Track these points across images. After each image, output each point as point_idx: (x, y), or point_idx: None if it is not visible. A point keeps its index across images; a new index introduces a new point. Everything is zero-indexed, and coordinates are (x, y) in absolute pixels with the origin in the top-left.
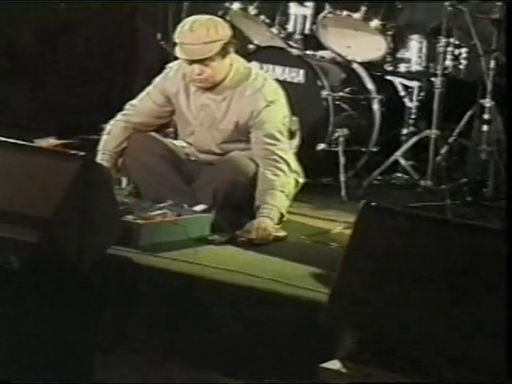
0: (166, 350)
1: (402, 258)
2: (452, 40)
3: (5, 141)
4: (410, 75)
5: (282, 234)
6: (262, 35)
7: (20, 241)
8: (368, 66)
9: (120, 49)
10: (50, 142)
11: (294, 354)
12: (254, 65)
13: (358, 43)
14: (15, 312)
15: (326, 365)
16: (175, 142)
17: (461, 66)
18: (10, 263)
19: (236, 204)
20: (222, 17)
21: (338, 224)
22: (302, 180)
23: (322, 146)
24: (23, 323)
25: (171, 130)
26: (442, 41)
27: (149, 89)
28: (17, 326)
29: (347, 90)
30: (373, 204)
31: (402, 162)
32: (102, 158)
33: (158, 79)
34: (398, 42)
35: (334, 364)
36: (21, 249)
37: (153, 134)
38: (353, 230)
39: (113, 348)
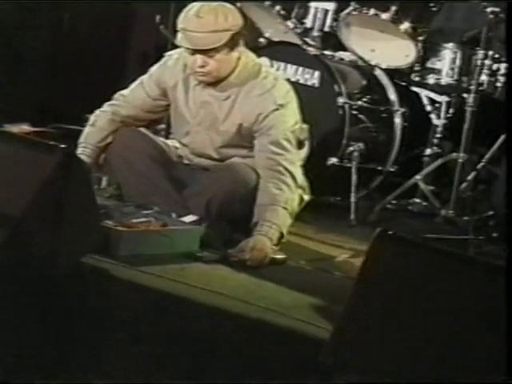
0: (138, 375)
1: (417, 295)
2: (491, 53)
3: None
4: (439, 88)
5: (281, 256)
6: (275, 28)
7: None
8: (392, 73)
9: (111, 30)
10: (23, 128)
11: None
12: (264, 61)
13: (384, 47)
14: None
15: None
16: (167, 141)
17: (498, 84)
18: None
19: (231, 218)
20: (232, 3)
21: (344, 251)
22: (307, 197)
23: (332, 161)
24: None
25: (163, 126)
26: (480, 52)
27: (142, 78)
28: None
29: (366, 98)
30: (389, 232)
31: (422, 186)
32: (82, 151)
33: (154, 68)
34: (428, 50)
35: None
36: None
37: (142, 129)
38: (364, 259)
39: (80, 368)
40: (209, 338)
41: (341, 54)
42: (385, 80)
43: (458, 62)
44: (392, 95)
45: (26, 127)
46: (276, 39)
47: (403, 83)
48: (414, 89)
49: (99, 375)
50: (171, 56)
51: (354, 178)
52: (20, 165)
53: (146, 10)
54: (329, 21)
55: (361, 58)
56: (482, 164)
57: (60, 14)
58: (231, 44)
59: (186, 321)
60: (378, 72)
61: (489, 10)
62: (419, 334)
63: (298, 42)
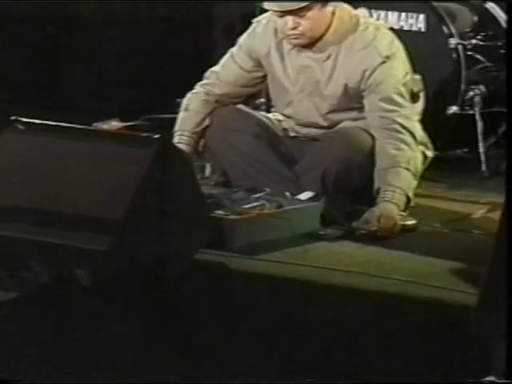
0: (269, 371)
1: None
2: None
3: (58, 125)
4: None
5: (411, 222)
6: None
7: (87, 250)
8: (506, 3)
9: (192, 3)
10: (113, 125)
11: (439, 369)
12: (362, 12)
13: None
14: (85, 335)
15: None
16: (269, 115)
17: None
18: (76, 277)
19: (350, 188)
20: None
21: (480, 206)
22: (430, 153)
23: (453, 110)
24: (97, 348)
25: (262, 100)
26: None
27: (232, 51)
28: (88, 351)
29: (481, 36)
30: None
31: None
32: (179, 140)
33: (242, 38)
34: None
35: (491, 382)
36: (88, 259)
37: (241, 106)
38: (502, 211)
39: (205, 370)
40: (346, 321)
41: None
42: (498, 12)
43: None
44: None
45: (115, 123)
46: None
47: None
48: None
49: (231, 375)
50: (259, 22)
51: (479, 125)
52: (113, 163)
53: None
54: None
55: None
56: None
57: None
58: None
59: (317, 305)
60: (489, 4)
61: None
62: None
63: None
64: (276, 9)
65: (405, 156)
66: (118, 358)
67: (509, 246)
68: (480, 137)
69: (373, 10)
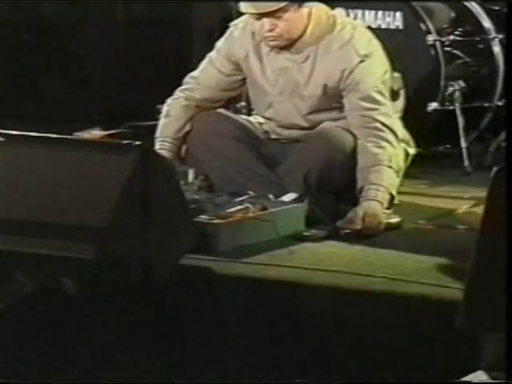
0: (258, 373)
1: None
2: None
3: (39, 136)
4: None
5: (396, 220)
6: None
7: (72, 258)
8: None
9: (171, 8)
10: (94, 133)
11: (427, 365)
12: (339, 12)
13: None
14: (75, 344)
15: (469, 378)
16: (250, 118)
17: None
18: (62, 287)
19: (334, 188)
20: None
21: (465, 201)
22: (412, 150)
23: (433, 106)
24: (86, 355)
25: (243, 104)
26: None
27: (211, 55)
28: (78, 358)
29: (458, 31)
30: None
31: None
32: (161, 146)
33: (220, 42)
34: None
35: (479, 376)
36: (74, 268)
37: (221, 110)
38: (485, 205)
39: (194, 376)
40: (334, 320)
41: None
42: (476, 8)
43: None
44: (486, 22)
45: (97, 132)
46: None
47: (497, 8)
48: None
49: (218, 376)
50: (236, 26)
51: (460, 120)
52: (95, 172)
53: None
54: None
55: None
56: None
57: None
58: None
59: (303, 305)
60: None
61: None
62: None
63: None
64: (252, 11)
65: (386, 154)
66: (105, 364)
67: (509, 243)
68: (461, 132)
69: (350, 10)
